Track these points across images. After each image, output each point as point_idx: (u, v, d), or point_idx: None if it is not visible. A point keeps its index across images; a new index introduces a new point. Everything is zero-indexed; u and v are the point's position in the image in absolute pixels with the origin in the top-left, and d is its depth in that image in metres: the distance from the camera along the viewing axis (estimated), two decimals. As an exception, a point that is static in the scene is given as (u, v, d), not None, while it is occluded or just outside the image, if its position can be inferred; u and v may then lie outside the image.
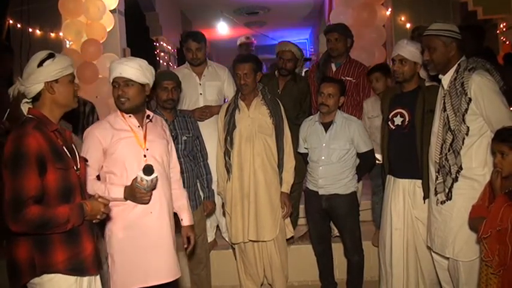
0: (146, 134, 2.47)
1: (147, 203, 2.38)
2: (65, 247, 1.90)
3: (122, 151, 2.39)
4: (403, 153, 2.97)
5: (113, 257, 2.40)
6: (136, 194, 2.32)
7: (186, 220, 2.68)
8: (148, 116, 2.51)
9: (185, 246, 2.69)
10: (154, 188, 2.35)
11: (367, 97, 3.81)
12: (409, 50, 2.87)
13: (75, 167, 2.00)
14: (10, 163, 1.81)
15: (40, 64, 1.93)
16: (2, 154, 1.85)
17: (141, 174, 2.23)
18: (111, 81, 2.43)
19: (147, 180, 2.23)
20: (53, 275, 1.88)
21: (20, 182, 1.79)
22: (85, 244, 1.98)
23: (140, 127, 2.47)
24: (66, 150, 1.98)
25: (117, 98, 2.42)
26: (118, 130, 2.42)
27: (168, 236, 2.48)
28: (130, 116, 2.46)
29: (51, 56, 1.96)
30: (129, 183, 2.35)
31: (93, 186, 2.34)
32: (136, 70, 2.37)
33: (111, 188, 2.36)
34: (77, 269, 1.94)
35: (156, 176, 2.27)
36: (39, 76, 1.92)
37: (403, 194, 2.98)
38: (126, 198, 2.37)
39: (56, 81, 1.96)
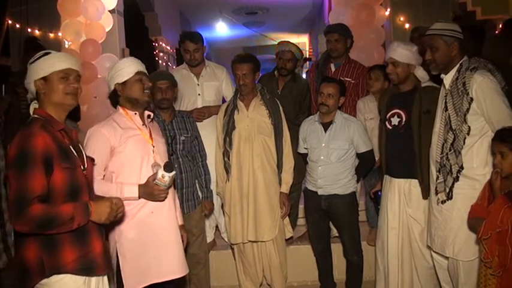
0: (151, 132, 2.51)
1: (163, 201, 2.41)
2: (73, 247, 1.88)
3: (131, 149, 2.39)
4: (399, 153, 2.98)
5: (124, 255, 2.39)
6: (154, 191, 2.33)
7: (179, 219, 2.69)
8: (149, 116, 2.54)
9: None
10: (171, 185, 2.39)
11: None
12: (399, 53, 2.88)
13: (82, 167, 1.98)
14: (16, 163, 1.79)
15: (32, 62, 1.93)
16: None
17: (162, 171, 2.27)
18: (134, 73, 2.43)
19: (169, 177, 2.28)
20: (62, 275, 1.86)
21: (26, 181, 1.77)
22: (94, 243, 1.95)
23: (144, 125, 2.50)
24: (72, 149, 1.97)
25: (143, 91, 2.44)
26: (125, 129, 2.42)
27: (176, 232, 2.53)
28: (135, 114, 2.48)
29: (46, 54, 1.95)
30: (140, 181, 2.36)
31: (103, 187, 2.31)
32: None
33: (123, 187, 2.35)
34: (86, 268, 1.92)
35: (175, 173, 2.32)
36: (31, 74, 1.92)
37: (398, 194, 2.99)
38: (140, 197, 2.37)
39: (45, 79, 1.92)
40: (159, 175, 2.27)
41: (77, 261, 1.89)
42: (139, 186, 2.35)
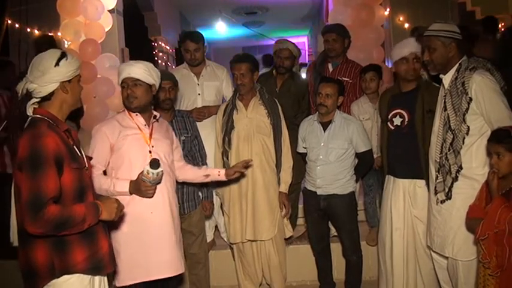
0: (152, 132, 2.58)
1: (151, 197, 2.45)
2: (83, 247, 1.91)
3: (128, 147, 2.49)
4: (402, 154, 2.98)
5: (118, 252, 2.42)
6: (141, 187, 2.40)
7: (221, 171, 2.82)
8: (155, 116, 2.62)
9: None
10: (159, 182, 2.44)
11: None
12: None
13: (85, 167, 2.01)
14: (29, 164, 1.77)
15: (57, 64, 1.92)
16: None
17: (147, 167, 2.33)
18: (120, 82, 2.55)
19: (153, 173, 2.33)
20: (69, 276, 1.87)
21: (40, 182, 1.76)
22: (101, 242, 1.99)
23: (147, 126, 2.58)
24: (76, 149, 1.99)
25: (126, 98, 2.53)
26: (125, 127, 2.54)
27: (170, 232, 2.55)
28: (137, 115, 2.57)
29: (64, 55, 1.97)
30: (134, 178, 2.43)
31: (99, 181, 2.43)
32: (143, 71, 2.50)
33: (116, 182, 2.45)
34: (96, 267, 1.95)
35: (162, 171, 2.37)
36: (55, 76, 1.92)
37: (403, 194, 3.00)
38: (131, 192, 2.45)
39: (69, 81, 1.97)
40: (145, 171, 2.34)
41: (87, 261, 1.91)
42: (131, 181, 2.44)
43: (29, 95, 1.96)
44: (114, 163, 2.51)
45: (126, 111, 2.60)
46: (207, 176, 2.81)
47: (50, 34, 4.28)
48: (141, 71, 2.49)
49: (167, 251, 2.53)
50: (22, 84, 1.94)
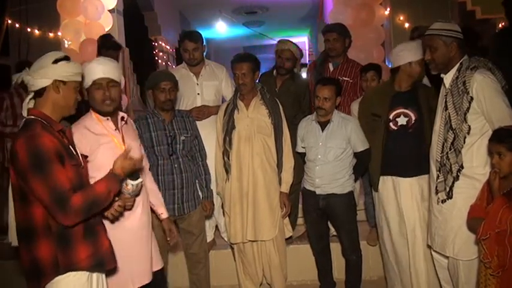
0: (124, 137, 2.45)
1: (130, 209, 2.34)
2: (86, 244, 1.93)
3: (102, 157, 2.32)
4: (409, 153, 2.97)
5: None
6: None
7: (165, 213, 2.72)
8: (122, 118, 2.48)
9: (168, 239, 2.72)
10: (138, 194, 2.29)
11: None
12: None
13: (81, 165, 2.03)
14: (33, 165, 1.78)
15: (55, 61, 1.94)
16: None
17: (126, 179, 2.16)
18: (91, 83, 2.34)
19: (132, 185, 2.17)
20: (66, 274, 1.89)
21: (52, 179, 1.79)
22: (102, 239, 2.02)
23: (117, 130, 2.44)
24: (72, 148, 2.00)
25: (102, 101, 2.34)
26: (97, 135, 2.37)
27: (144, 241, 2.48)
28: (107, 119, 2.41)
29: (66, 58, 1.99)
30: None
31: None
32: (116, 70, 2.40)
33: None
34: (98, 264, 1.98)
35: (142, 181, 2.22)
36: (50, 72, 1.93)
37: (411, 192, 2.99)
38: None
39: (64, 82, 1.96)
40: (123, 183, 2.14)
41: (90, 258, 1.94)
42: None
43: (24, 86, 1.99)
44: (90, 174, 2.25)
45: (93, 115, 2.40)
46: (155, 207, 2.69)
47: None
48: (115, 70, 2.37)
49: (139, 259, 2.44)
50: (20, 74, 1.96)
